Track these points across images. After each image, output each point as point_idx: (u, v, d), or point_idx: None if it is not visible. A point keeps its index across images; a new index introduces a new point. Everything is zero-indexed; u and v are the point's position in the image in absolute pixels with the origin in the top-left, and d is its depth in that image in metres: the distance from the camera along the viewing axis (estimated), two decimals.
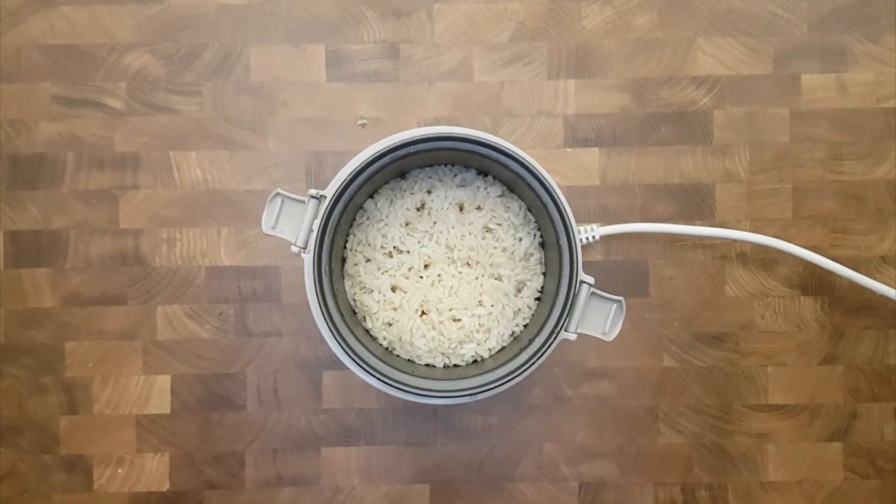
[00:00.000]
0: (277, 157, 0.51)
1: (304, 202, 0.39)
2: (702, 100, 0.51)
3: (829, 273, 0.49)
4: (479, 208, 0.44)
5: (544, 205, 0.40)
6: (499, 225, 0.44)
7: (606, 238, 0.50)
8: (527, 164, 0.39)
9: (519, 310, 0.44)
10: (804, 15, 0.51)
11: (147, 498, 0.50)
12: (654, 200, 0.51)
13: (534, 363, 0.39)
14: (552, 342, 0.39)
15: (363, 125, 0.51)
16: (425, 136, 0.39)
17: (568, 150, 0.51)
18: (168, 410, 0.50)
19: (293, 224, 0.39)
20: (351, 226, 0.45)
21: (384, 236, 0.44)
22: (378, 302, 0.43)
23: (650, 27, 0.51)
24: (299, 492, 0.50)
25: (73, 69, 0.50)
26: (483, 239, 0.44)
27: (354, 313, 0.45)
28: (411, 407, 0.50)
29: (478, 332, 0.43)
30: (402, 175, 0.45)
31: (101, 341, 0.50)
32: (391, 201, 0.45)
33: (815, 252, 0.49)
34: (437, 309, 0.43)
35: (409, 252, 0.44)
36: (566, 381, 0.51)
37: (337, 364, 0.40)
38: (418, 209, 0.45)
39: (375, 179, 0.42)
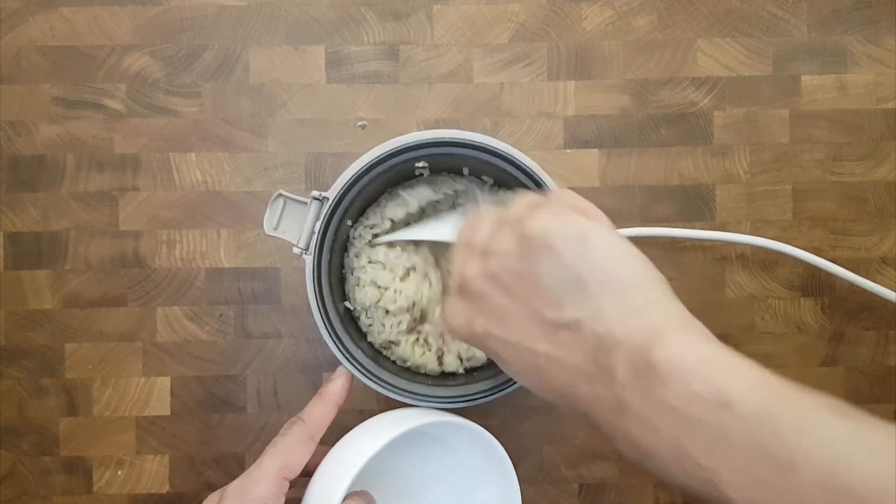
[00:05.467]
0: (277, 158, 0.51)
1: (306, 203, 0.39)
2: (702, 101, 0.51)
3: (829, 274, 0.49)
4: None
5: None
6: None
7: None
8: (526, 168, 0.39)
9: None
10: (804, 16, 0.51)
11: (147, 500, 0.50)
12: (654, 202, 0.51)
13: None
14: None
15: (363, 126, 0.51)
16: (428, 141, 0.39)
17: (568, 151, 0.51)
18: (168, 412, 0.50)
19: (295, 225, 0.39)
20: (350, 228, 0.45)
21: (383, 240, 0.44)
22: (377, 306, 0.43)
23: (650, 28, 0.51)
24: (299, 493, 0.50)
25: (72, 71, 0.50)
26: None
27: (354, 318, 0.45)
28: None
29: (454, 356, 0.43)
30: (403, 178, 0.45)
31: (100, 343, 0.50)
32: (390, 205, 0.44)
33: (816, 253, 0.49)
34: (435, 314, 0.43)
35: (407, 257, 0.43)
36: None
37: (337, 366, 0.40)
38: (419, 213, 0.45)
39: (377, 182, 0.42)
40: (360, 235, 0.44)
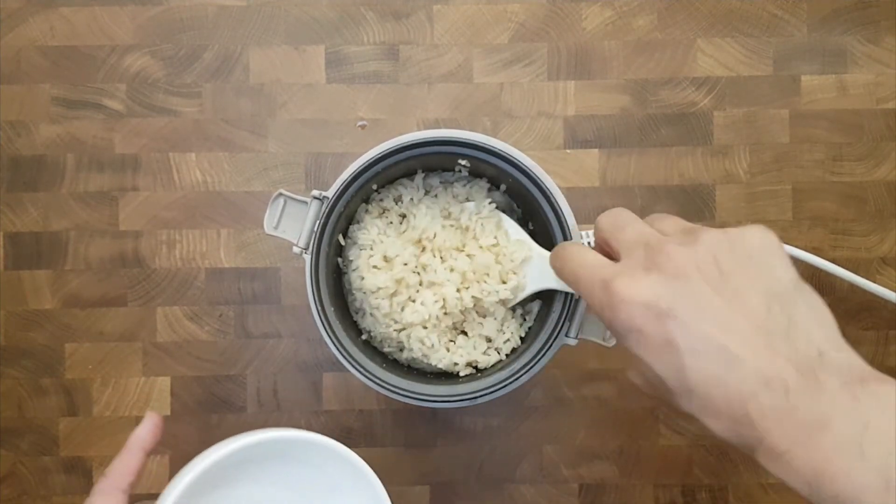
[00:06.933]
0: (277, 158, 0.51)
1: (306, 203, 0.39)
2: (702, 101, 0.51)
3: (829, 274, 0.49)
4: (474, 211, 0.44)
5: (543, 209, 0.40)
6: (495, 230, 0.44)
7: None
8: (527, 170, 0.39)
9: (521, 316, 0.44)
10: (804, 16, 0.51)
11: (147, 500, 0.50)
12: (654, 202, 0.51)
13: (532, 368, 0.39)
14: (550, 347, 0.39)
15: (363, 126, 0.51)
16: (428, 140, 0.39)
17: (568, 151, 0.51)
18: (168, 412, 0.50)
19: (295, 225, 0.39)
20: (348, 228, 0.44)
21: (380, 242, 0.43)
22: (364, 313, 0.43)
23: (650, 28, 0.51)
24: None
25: (72, 71, 0.50)
26: (474, 273, 0.43)
27: (353, 320, 0.44)
28: (411, 409, 0.50)
29: (476, 340, 0.43)
30: (408, 175, 0.45)
31: (100, 343, 0.50)
32: (385, 207, 0.44)
33: (816, 253, 0.49)
34: (434, 316, 0.43)
35: (406, 258, 0.43)
36: (566, 382, 0.51)
37: (337, 366, 0.40)
38: (420, 213, 0.45)
39: (376, 181, 0.42)
40: (378, 202, 0.44)
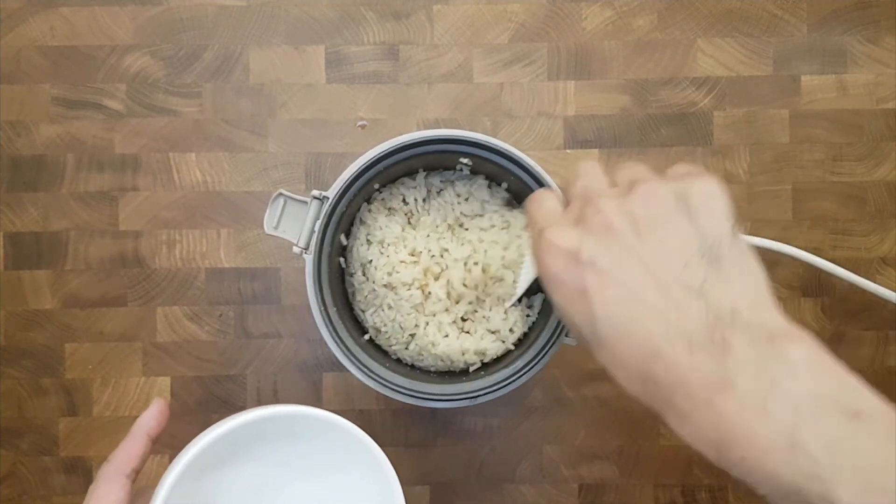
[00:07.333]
0: (277, 158, 0.51)
1: (306, 203, 0.39)
2: (702, 101, 0.51)
3: (829, 274, 0.49)
4: (475, 208, 0.44)
5: None
6: (494, 226, 0.44)
7: None
8: (529, 167, 0.39)
9: (525, 306, 0.44)
10: (804, 16, 0.51)
11: None
12: None
13: (533, 367, 0.39)
14: (551, 347, 0.39)
15: (363, 126, 0.51)
16: (428, 139, 0.39)
17: (568, 151, 0.51)
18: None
19: (295, 225, 0.39)
20: (350, 228, 0.45)
21: (381, 242, 0.44)
22: (376, 308, 0.43)
23: (650, 28, 0.51)
24: None
25: (72, 71, 0.50)
26: (481, 242, 0.43)
27: (355, 318, 0.44)
28: (411, 409, 0.50)
29: (475, 338, 0.43)
30: (409, 175, 0.45)
31: (100, 343, 0.50)
32: (390, 206, 0.44)
33: (816, 253, 0.49)
34: (436, 315, 0.43)
35: (406, 258, 0.43)
36: (566, 382, 0.51)
37: (337, 366, 0.40)
38: (422, 212, 0.45)
39: (378, 180, 0.42)
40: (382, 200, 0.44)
